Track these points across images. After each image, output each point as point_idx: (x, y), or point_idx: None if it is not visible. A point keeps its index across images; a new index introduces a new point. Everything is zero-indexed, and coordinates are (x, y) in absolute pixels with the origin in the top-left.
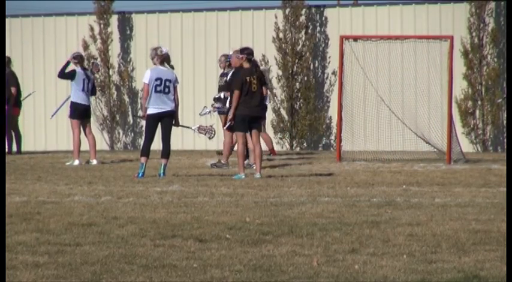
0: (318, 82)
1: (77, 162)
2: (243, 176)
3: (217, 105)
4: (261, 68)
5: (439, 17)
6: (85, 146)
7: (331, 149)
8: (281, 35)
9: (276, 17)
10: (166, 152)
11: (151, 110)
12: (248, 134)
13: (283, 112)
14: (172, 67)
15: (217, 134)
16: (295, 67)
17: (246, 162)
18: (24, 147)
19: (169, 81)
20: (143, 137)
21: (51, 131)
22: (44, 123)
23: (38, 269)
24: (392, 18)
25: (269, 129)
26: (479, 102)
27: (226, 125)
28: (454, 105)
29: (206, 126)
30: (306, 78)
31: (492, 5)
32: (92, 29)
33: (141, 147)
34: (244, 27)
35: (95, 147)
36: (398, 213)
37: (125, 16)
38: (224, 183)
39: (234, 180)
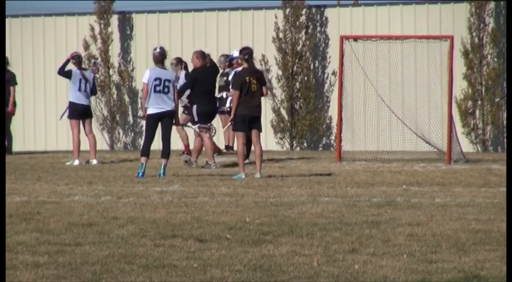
0: (318, 82)
1: (77, 162)
2: (243, 176)
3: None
4: (259, 68)
5: (439, 17)
6: (85, 146)
7: (331, 149)
8: (281, 35)
9: (276, 17)
10: (166, 152)
11: (151, 110)
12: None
13: (283, 112)
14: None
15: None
16: (295, 67)
17: (246, 161)
18: (24, 147)
19: (169, 81)
20: (143, 137)
21: (51, 131)
22: (44, 123)
23: (38, 269)
24: (392, 18)
25: (269, 129)
26: (479, 102)
27: (227, 126)
28: (454, 105)
29: (206, 125)
30: (306, 78)
31: (492, 5)
32: (92, 29)
33: (141, 147)
34: (244, 27)
35: (95, 147)
36: (398, 213)
37: (125, 16)
38: (224, 183)
39: (234, 180)
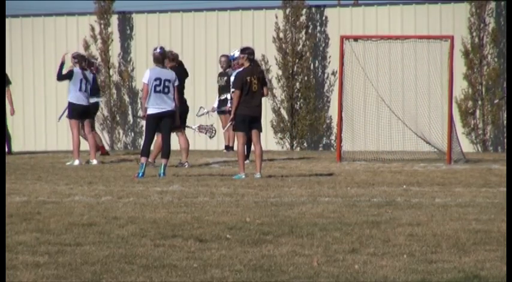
0: (318, 82)
1: (77, 162)
2: (243, 176)
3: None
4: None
5: (440, 17)
6: (85, 146)
7: (332, 149)
8: (281, 35)
9: (276, 17)
10: (166, 152)
11: (151, 110)
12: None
13: (283, 112)
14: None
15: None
16: (295, 67)
17: (246, 162)
18: (25, 147)
19: (169, 81)
20: (143, 137)
21: (51, 131)
22: (44, 123)
23: (38, 269)
24: (392, 18)
25: (269, 129)
26: (479, 102)
27: (227, 126)
28: (454, 105)
29: (206, 126)
30: (306, 78)
31: (492, 5)
32: (92, 29)
33: (141, 147)
34: (244, 27)
35: (95, 147)
36: (398, 213)
37: (125, 16)
38: (224, 183)
39: (235, 180)
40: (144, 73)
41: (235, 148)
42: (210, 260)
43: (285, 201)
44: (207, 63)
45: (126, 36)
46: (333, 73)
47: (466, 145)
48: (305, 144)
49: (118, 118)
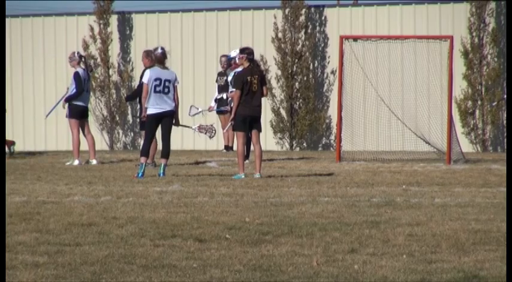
0: (317, 82)
1: (76, 162)
2: (243, 176)
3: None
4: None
5: (439, 17)
6: (85, 146)
7: (331, 149)
8: (280, 35)
9: (275, 17)
10: (166, 152)
11: (151, 110)
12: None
13: (282, 112)
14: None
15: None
16: (294, 67)
17: (246, 162)
18: (24, 147)
19: (169, 81)
20: (143, 137)
21: (51, 131)
22: (44, 123)
23: (37, 269)
24: (392, 18)
25: (269, 129)
26: (479, 102)
27: (227, 126)
28: (454, 105)
29: (206, 126)
30: (305, 78)
31: (492, 5)
32: (91, 29)
33: (141, 147)
34: (244, 27)
35: (94, 147)
36: (398, 213)
37: (125, 16)
38: (224, 183)
39: (234, 180)
40: (144, 73)
41: (234, 148)
42: (209, 260)
43: (285, 201)
44: (207, 63)
45: (125, 36)
46: (333, 73)
47: (466, 145)
48: (304, 144)
49: (117, 118)
